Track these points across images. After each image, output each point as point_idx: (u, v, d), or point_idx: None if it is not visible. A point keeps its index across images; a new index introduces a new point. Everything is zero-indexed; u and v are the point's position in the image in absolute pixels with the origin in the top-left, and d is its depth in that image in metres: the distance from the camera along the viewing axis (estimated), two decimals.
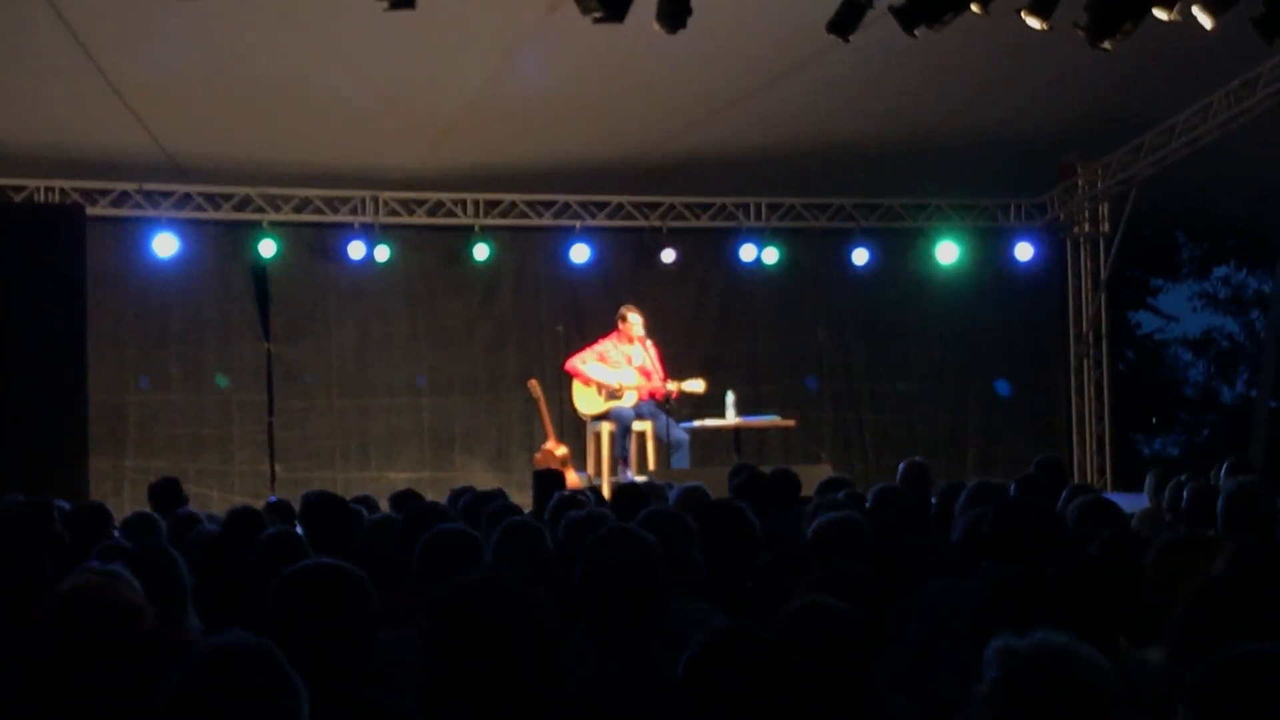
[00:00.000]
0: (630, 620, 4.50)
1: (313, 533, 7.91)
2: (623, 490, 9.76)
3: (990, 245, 20.07)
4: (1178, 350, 34.63)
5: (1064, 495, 8.97)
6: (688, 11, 11.83)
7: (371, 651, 4.07)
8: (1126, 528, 6.73)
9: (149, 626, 3.86)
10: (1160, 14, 12.57)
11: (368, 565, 4.74)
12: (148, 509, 10.30)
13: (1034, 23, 12.55)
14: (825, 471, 13.26)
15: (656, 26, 11.94)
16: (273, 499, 10.67)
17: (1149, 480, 11.21)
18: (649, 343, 16.56)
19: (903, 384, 20.02)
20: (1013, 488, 9.36)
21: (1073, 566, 5.73)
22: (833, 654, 3.50)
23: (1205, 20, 12.78)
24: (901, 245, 19.91)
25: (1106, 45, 12.80)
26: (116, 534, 7.80)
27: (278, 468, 18.37)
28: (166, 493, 11.28)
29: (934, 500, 9.80)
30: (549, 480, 10.94)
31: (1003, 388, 20.14)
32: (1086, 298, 20.16)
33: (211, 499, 17.40)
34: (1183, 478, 9.58)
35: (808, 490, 10.38)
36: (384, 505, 10.48)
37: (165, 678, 3.11)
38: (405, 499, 10.11)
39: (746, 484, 9.45)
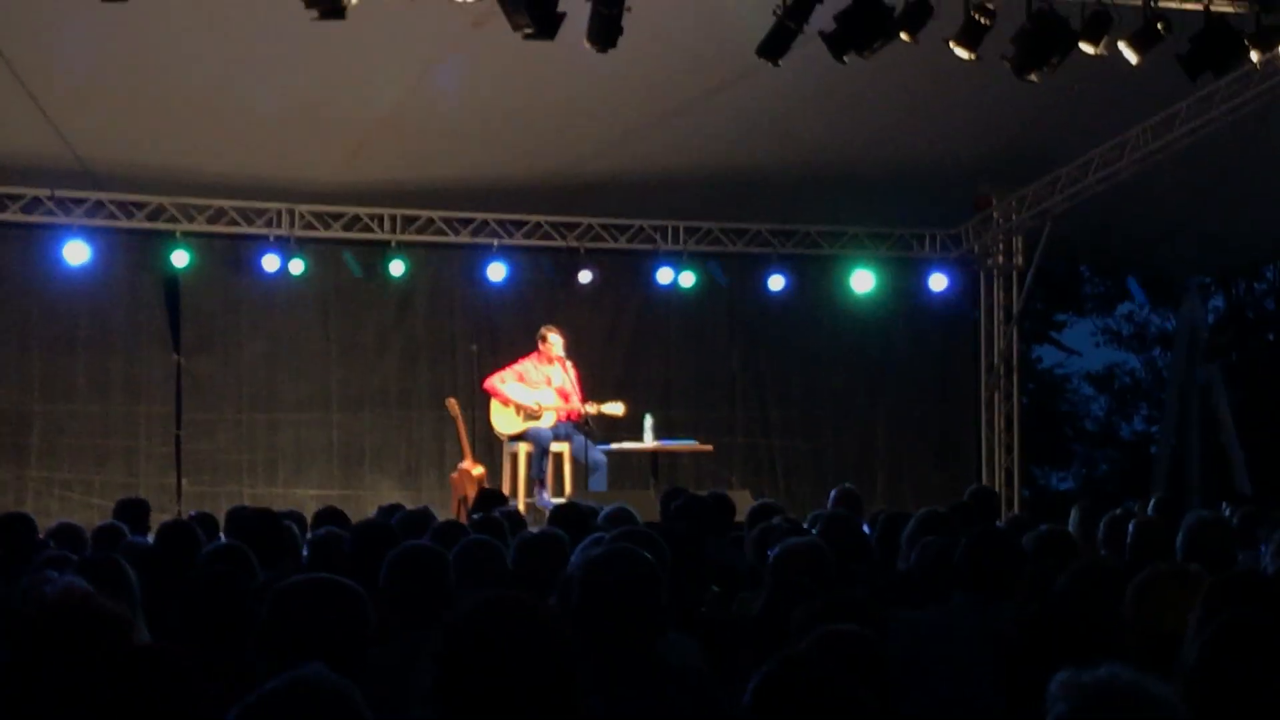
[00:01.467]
0: (630, 644, 4.37)
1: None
2: (565, 510, 9.64)
3: (905, 275, 20.16)
4: (1079, 384, 34.99)
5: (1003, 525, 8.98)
6: (619, 31, 11.83)
7: (367, 669, 3.96)
8: (1092, 560, 6.69)
9: (141, 641, 3.73)
10: (1087, 48, 12.72)
11: None
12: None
13: (962, 53, 12.64)
14: (746, 498, 13.26)
15: (587, 45, 11.92)
16: (193, 513, 10.47)
17: (1075, 513, 11.19)
18: (569, 364, 16.48)
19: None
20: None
21: (1045, 600, 5.68)
22: (869, 681, 3.44)
23: (1131, 56, 12.94)
24: (817, 272, 19.93)
25: (1033, 77, 12.92)
26: (51, 545, 7.60)
27: (184, 481, 18.07)
28: (136, 510, 11.10)
29: (870, 529, 9.75)
30: (491, 499, 10.81)
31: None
32: (998, 330, 20.27)
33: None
34: (1118, 511, 9.58)
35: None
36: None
37: (236, 710, 2.97)
38: (334, 516, 9.96)
39: (684, 508, 9.36)
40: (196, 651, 3.61)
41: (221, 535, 9.58)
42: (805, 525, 9.37)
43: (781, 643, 4.52)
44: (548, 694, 3.37)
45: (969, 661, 5.20)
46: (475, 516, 9.31)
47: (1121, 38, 12.75)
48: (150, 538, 10.02)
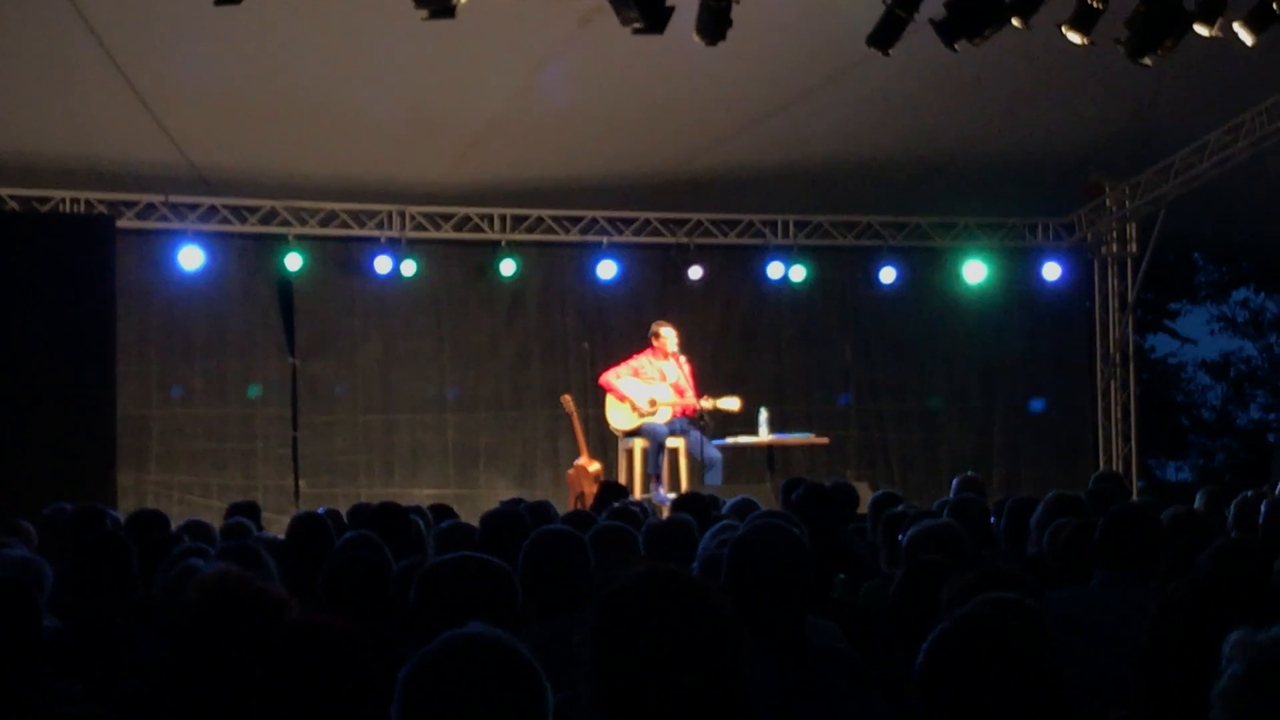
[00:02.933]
0: (781, 622, 4.33)
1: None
2: (688, 499, 9.64)
3: (1017, 265, 20.01)
4: (1195, 373, 34.57)
5: None
6: (728, 24, 11.77)
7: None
8: (1233, 538, 6.60)
9: (299, 618, 3.73)
10: (1202, 30, 12.53)
11: None
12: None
13: (1075, 37, 12.48)
14: (865, 489, 13.18)
15: (696, 38, 11.88)
16: (321, 509, 10.53)
17: (1201, 496, 11.07)
18: (683, 359, 16.45)
19: (935, 399, 19.89)
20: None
21: (1193, 575, 5.59)
22: (1038, 646, 3.38)
23: (1246, 37, 12.74)
24: (929, 264, 19.83)
25: (1146, 61, 12.75)
26: (185, 539, 7.66)
27: (302, 483, 18.23)
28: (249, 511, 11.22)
29: (994, 518, 9.65)
30: (614, 492, 10.81)
31: (1037, 405, 20.03)
32: (1113, 319, 20.06)
33: None
34: (1249, 493, 9.45)
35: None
36: None
37: (406, 668, 2.97)
38: (447, 512, 10.04)
39: (806, 497, 9.30)
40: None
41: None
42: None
43: (920, 624, 4.46)
44: (712, 667, 3.33)
45: (1117, 638, 5.13)
46: (614, 505, 9.29)
47: (1237, 19, 12.57)
48: (274, 535, 10.11)
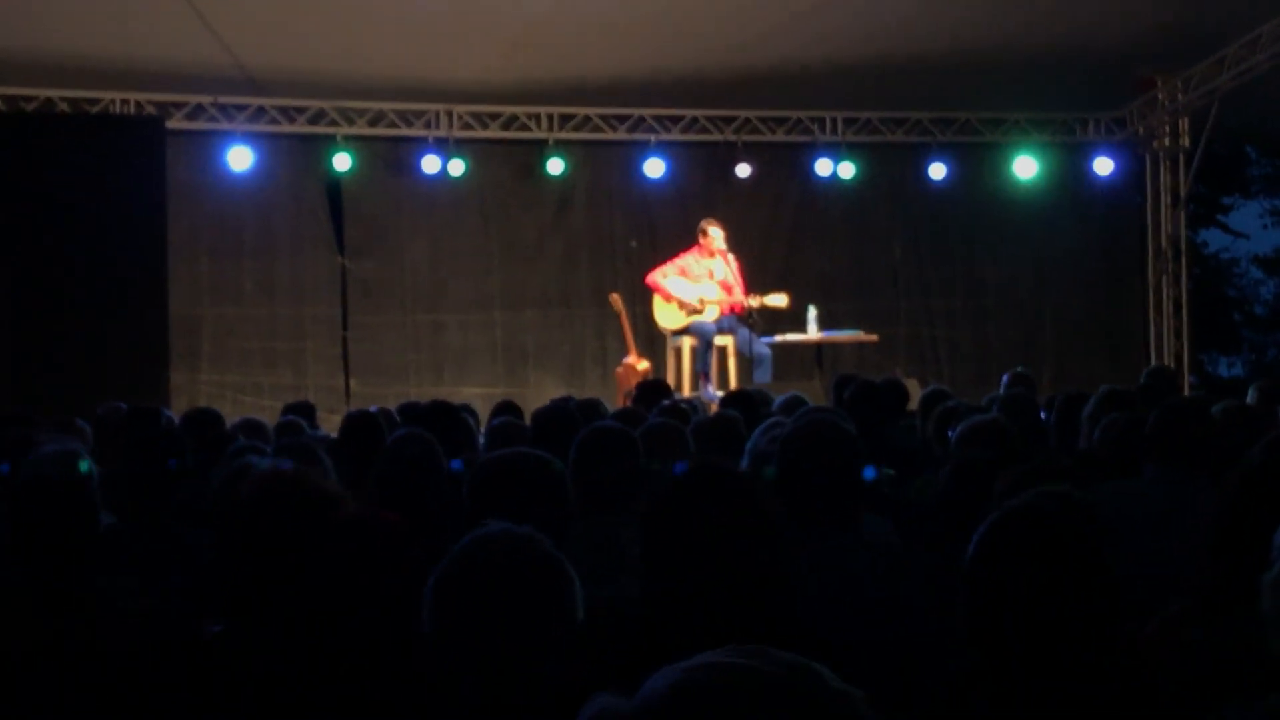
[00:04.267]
0: (834, 515, 4.34)
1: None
2: (736, 396, 9.64)
3: (1068, 160, 19.85)
4: (1248, 268, 34.31)
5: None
6: None
7: (572, 540, 3.98)
8: None
9: (352, 512, 3.77)
10: None
11: None
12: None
13: None
14: (914, 386, 13.15)
15: None
16: (374, 408, 10.56)
17: (1252, 392, 11.00)
18: (730, 257, 16.40)
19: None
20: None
21: (1246, 468, 5.58)
22: (1091, 537, 3.38)
23: None
24: (978, 160, 19.70)
25: None
26: (240, 437, 7.72)
27: (352, 382, 18.33)
28: (304, 411, 11.18)
29: (1045, 414, 9.63)
30: (656, 390, 10.81)
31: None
32: (1165, 214, 19.92)
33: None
34: None
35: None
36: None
37: (435, 572, 3.02)
38: (510, 409, 10.04)
39: (858, 395, 9.29)
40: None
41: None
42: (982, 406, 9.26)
43: (969, 519, 4.47)
44: (757, 560, 3.35)
45: (1170, 531, 5.14)
46: (664, 403, 9.28)
47: None
48: (327, 433, 10.16)
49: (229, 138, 17.74)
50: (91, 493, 4.52)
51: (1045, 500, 3.46)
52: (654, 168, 18.74)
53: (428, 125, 18.45)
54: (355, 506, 4.02)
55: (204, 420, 9.05)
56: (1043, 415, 9.32)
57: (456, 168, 18.31)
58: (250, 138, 17.81)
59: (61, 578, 4.31)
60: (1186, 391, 19.09)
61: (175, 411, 12.16)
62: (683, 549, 3.36)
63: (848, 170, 19.12)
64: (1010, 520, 3.28)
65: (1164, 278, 19.96)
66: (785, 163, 19.42)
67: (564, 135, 18.70)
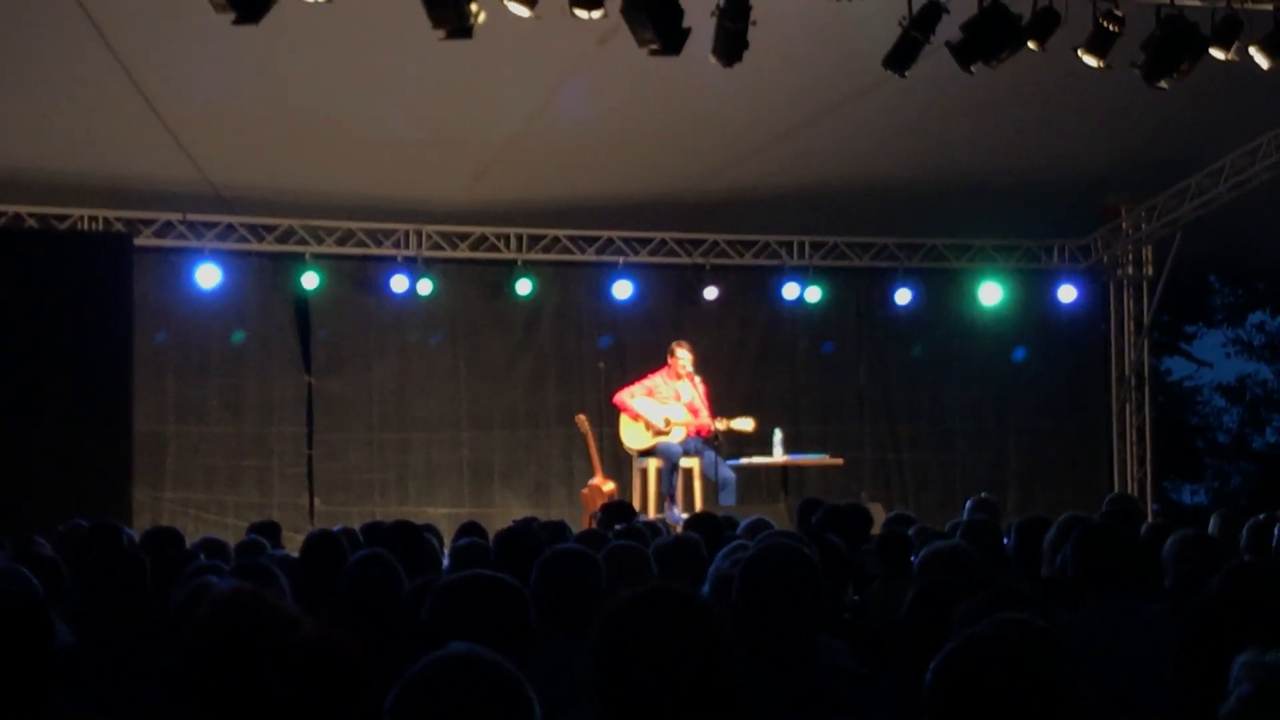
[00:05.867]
0: (790, 639, 4.34)
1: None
2: (700, 519, 9.65)
3: (1033, 287, 20.00)
4: (1210, 396, 34.50)
5: (1145, 531, 8.86)
6: (744, 45, 11.82)
7: (534, 663, 3.96)
8: (1245, 561, 6.59)
9: (309, 634, 3.74)
10: (1218, 54, 12.57)
11: None
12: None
13: (1091, 61, 12.55)
14: (879, 511, 13.18)
15: (713, 59, 11.92)
16: (338, 528, 10.54)
17: (1215, 520, 11.03)
18: (698, 379, 16.47)
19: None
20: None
21: (1206, 596, 5.60)
22: (1053, 666, 3.38)
23: (1262, 61, 12.81)
24: (944, 285, 19.83)
25: (1163, 84, 12.78)
26: (200, 556, 7.69)
27: (316, 501, 18.25)
28: (269, 530, 11.22)
29: (1006, 539, 9.64)
30: (619, 511, 10.81)
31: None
32: (1129, 341, 20.05)
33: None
34: (1261, 517, 9.42)
35: None
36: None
37: (393, 691, 3.00)
38: (475, 529, 10.03)
39: (825, 519, 9.32)
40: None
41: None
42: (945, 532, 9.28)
43: (931, 644, 4.47)
44: (712, 684, 3.34)
45: (1133, 657, 5.14)
46: (616, 527, 9.29)
47: (1252, 43, 12.62)
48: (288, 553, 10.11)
49: (197, 255, 17.74)
50: (44, 609, 4.48)
51: (1004, 628, 3.46)
52: (622, 289, 18.82)
53: (396, 245, 18.49)
54: (313, 627, 3.99)
55: (164, 539, 9.02)
56: (1005, 540, 9.33)
57: (425, 287, 18.35)
58: (219, 255, 17.81)
59: (19, 696, 4.26)
60: (1150, 519, 19.13)
61: (137, 529, 12.12)
62: (634, 672, 3.35)
63: (814, 294, 19.23)
64: (969, 649, 3.27)
65: (1128, 405, 20.06)
66: (752, 286, 19.52)
67: (533, 256, 18.78)
